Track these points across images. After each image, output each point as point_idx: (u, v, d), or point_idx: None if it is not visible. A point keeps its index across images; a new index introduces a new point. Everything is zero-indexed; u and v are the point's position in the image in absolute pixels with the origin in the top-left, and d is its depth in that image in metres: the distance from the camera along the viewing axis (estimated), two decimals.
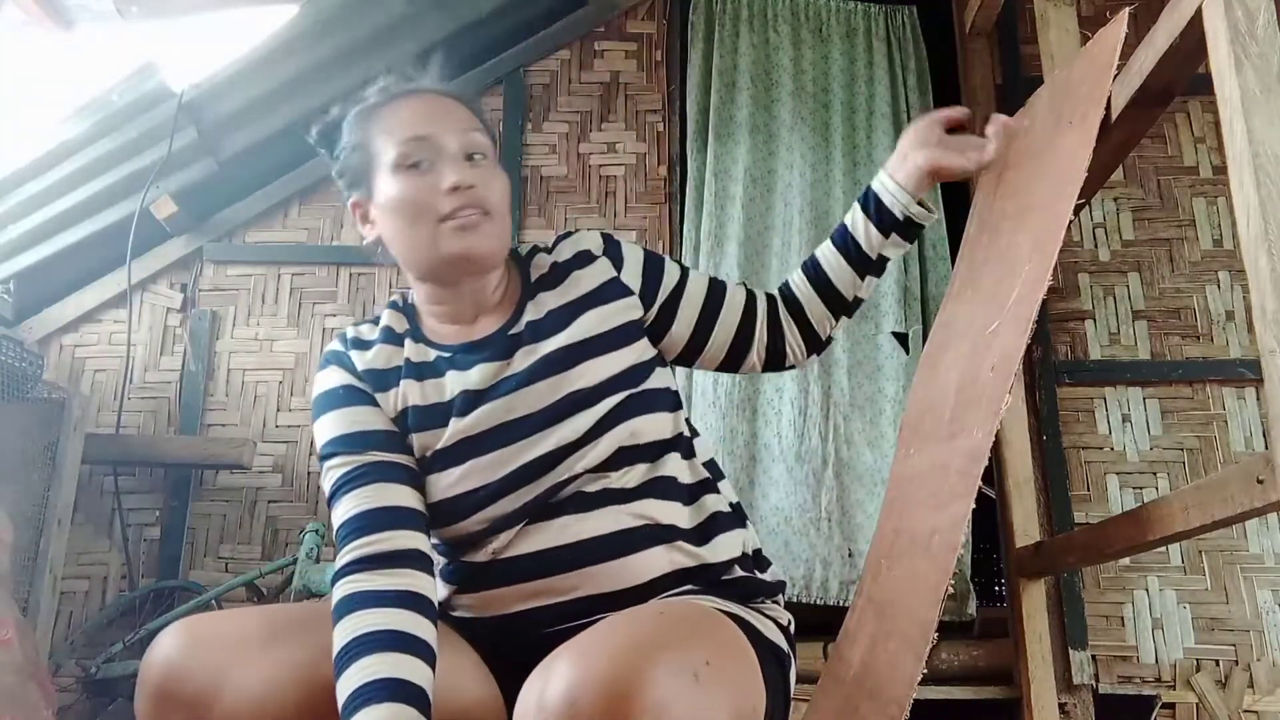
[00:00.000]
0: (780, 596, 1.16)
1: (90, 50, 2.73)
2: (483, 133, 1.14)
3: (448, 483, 1.09)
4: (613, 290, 1.16)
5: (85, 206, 2.80)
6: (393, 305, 1.21)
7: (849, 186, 3.00)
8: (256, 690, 0.92)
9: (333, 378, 1.14)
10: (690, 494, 1.10)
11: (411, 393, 1.12)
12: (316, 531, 2.54)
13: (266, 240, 3.01)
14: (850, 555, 2.67)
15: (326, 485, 1.09)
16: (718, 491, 1.14)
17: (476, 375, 1.10)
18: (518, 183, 3.00)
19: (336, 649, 0.95)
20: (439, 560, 1.14)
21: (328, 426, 1.11)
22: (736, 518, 1.14)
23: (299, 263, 2.98)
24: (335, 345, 1.18)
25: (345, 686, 0.92)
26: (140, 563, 2.72)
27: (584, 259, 1.18)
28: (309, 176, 3.03)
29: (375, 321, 1.20)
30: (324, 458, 1.10)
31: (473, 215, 1.08)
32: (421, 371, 1.13)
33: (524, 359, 1.11)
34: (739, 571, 1.09)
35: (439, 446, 1.09)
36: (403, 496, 1.07)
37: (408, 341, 1.16)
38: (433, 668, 0.97)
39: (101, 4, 2.62)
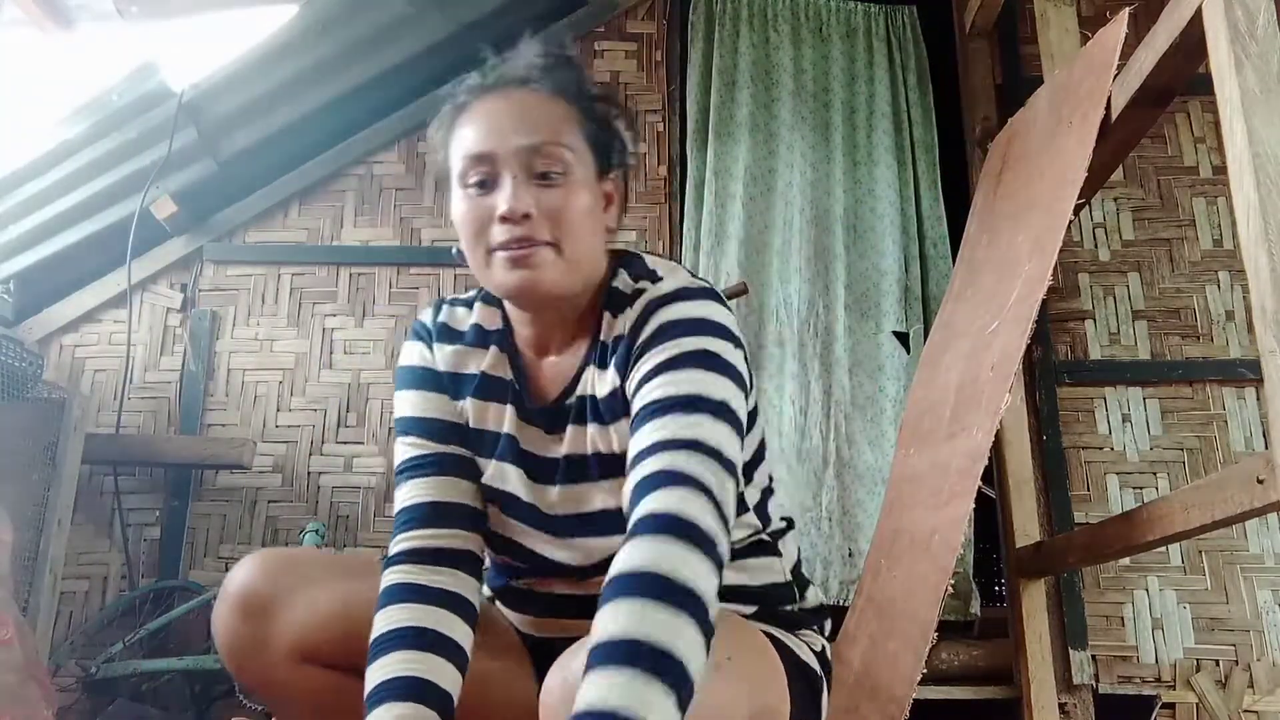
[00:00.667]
0: (818, 626, 1.15)
1: (90, 50, 2.73)
2: (565, 141, 1.01)
3: (491, 516, 1.11)
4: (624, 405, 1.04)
5: (85, 206, 2.80)
6: (488, 297, 1.14)
7: (849, 185, 3.00)
8: (310, 613, 1.04)
9: (415, 355, 1.14)
10: (739, 556, 1.07)
11: (473, 412, 1.11)
12: (316, 531, 2.55)
13: (266, 240, 3.01)
14: (850, 555, 2.67)
15: (396, 460, 1.11)
16: (777, 554, 1.11)
17: (531, 436, 1.09)
18: None
19: (373, 637, 0.99)
20: (487, 561, 1.16)
21: (405, 404, 1.12)
22: (789, 588, 1.11)
23: (299, 263, 2.98)
24: (426, 320, 1.16)
25: (372, 678, 0.96)
26: (140, 563, 2.72)
27: (620, 356, 1.04)
28: (309, 176, 3.03)
29: (470, 305, 1.15)
30: (398, 431, 1.12)
31: (525, 249, 0.98)
32: (489, 391, 1.11)
33: (566, 443, 1.07)
34: (777, 608, 1.10)
35: (483, 477, 1.11)
36: (462, 492, 1.08)
37: (493, 349, 1.12)
38: (463, 670, 1.00)
39: (101, 4, 2.62)
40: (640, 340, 1.00)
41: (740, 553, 1.07)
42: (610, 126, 1.08)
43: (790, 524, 1.16)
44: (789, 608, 1.10)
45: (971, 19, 2.85)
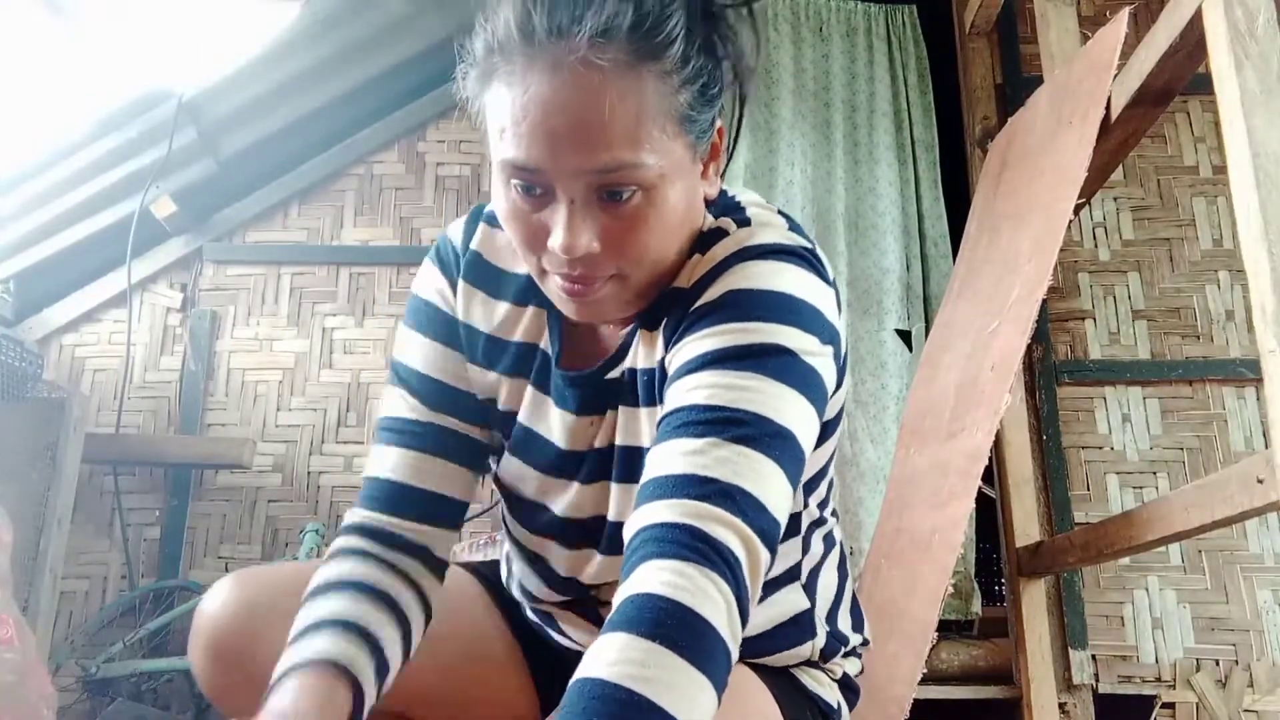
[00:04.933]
0: (849, 647, 1.01)
1: (90, 50, 2.73)
2: (645, 152, 0.72)
3: (508, 510, 0.98)
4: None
5: (85, 206, 2.80)
6: None
7: (850, 184, 3.00)
8: None
9: (431, 287, 0.93)
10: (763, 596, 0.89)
11: (505, 392, 0.92)
12: (316, 531, 2.55)
13: (266, 240, 3.01)
14: (852, 553, 2.67)
15: (383, 407, 0.93)
16: (804, 594, 0.93)
17: (553, 423, 0.89)
18: None
19: (293, 630, 0.83)
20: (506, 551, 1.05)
21: (406, 346, 0.93)
22: (805, 629, 0.93)
23: (299, 263, 2.98)
24: (455, 239, 0.93)
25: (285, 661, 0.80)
26: (140, 563, 2.72)
27: (672, 319, 0.81)
28: (309, 176, 3.03)
29: None
30: (392, 375, 0.93)
31: (584, 286, 0.77)
32: (522, 366, 0.91)
33: (602, 431, 0.87)
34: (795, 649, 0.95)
35: (497, 469, 0.96)
36: (444, 480, 0.90)
37: (532, 310, 0.90)
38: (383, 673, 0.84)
39: (101, 3, 2.62)
40: (698, 304, 0.77)
41: (764, 588, 0.88)
42: (720, 58, 0.78)
43: (832, 541, 0.98)
44: (806, 648, 0.94)
45: (971, 19, 2.85)
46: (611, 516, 0.87)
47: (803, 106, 3.06)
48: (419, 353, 0.92)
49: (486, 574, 1.11)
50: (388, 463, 0.90)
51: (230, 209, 3.01)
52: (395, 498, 0.89)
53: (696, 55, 0.75)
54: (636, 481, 0.81)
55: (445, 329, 0.92)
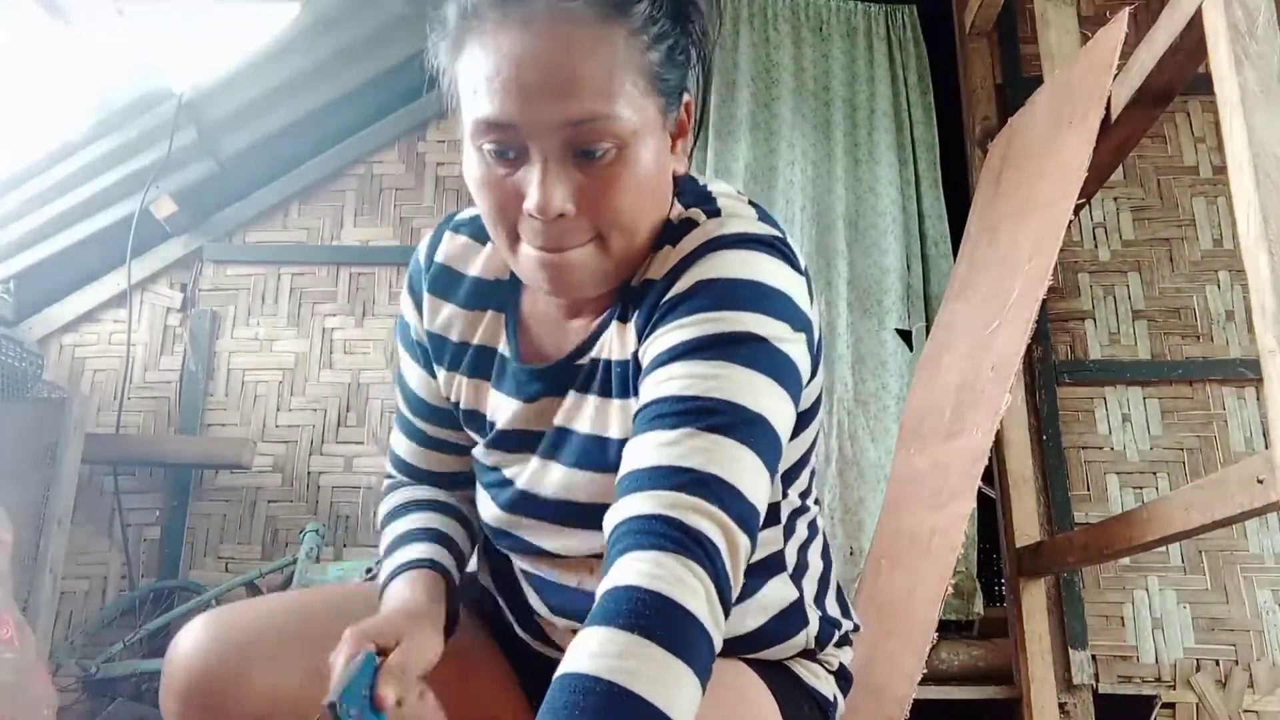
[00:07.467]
0: (840, 636, 1.00)
1: (90, 50, 2.73)
2: (619, 105, 0.73)
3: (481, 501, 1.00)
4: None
5: (85, 206, 2.80)
6: None
7: (850, 184, 3.00)
8: (280, 686, 0.85)
9: (408, 306, 0.97)
10: (750, 590, 0.88)
11: (465, 391, 0.94)
12: (316, 531, 2.55)
13: (266, 240, 3.01)
14: (852, 553, 2.67)
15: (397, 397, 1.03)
16: (797, 578, 0.93)
17: (515, 413, 0.90)
18: None
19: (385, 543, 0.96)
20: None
21: (400, 357, 1.01)
22: (801, 616, 0.93)
23: (299, 263, 2.98)
24: (423, 254, 0.95)
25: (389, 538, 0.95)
26: (140, 563, 2.72)
27: (644, 311, 0.80)
28: (309, 176, 3.03)
29: (483, 238, 0.91)
30: (396, 370, 1.03)
31: (559, 253, 0.76)
32: (479, 367, 0.93)
33: (562, 413, 0.87)
34: (789, 641, 0.94)
35: (475, 456, 0.97)
36: (453, 464, 1.01)
37: (490, 315, 0.92)
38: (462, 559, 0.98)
39: (101, 3, 2.62)
40: (668, 295, 0.77)
41: (751, 578, 0.88)
42: (686, 26, 0.80)
43: (815, 528, 0.99)
44: (801, 638, 0.94)
45: (971, 19, 2.85)
46: (549, 494, 0.88)
47: (803, 106, 3.06)
48: (405, 366, 1.00)
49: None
50: (401, 444, 1.02)
51: (230, 209, 3.01)
52: (415, 473, 1.02)
53: (662, 18, 0.77)
54: (600, 470, 0.84)
55: (415, 350, 0.98)
